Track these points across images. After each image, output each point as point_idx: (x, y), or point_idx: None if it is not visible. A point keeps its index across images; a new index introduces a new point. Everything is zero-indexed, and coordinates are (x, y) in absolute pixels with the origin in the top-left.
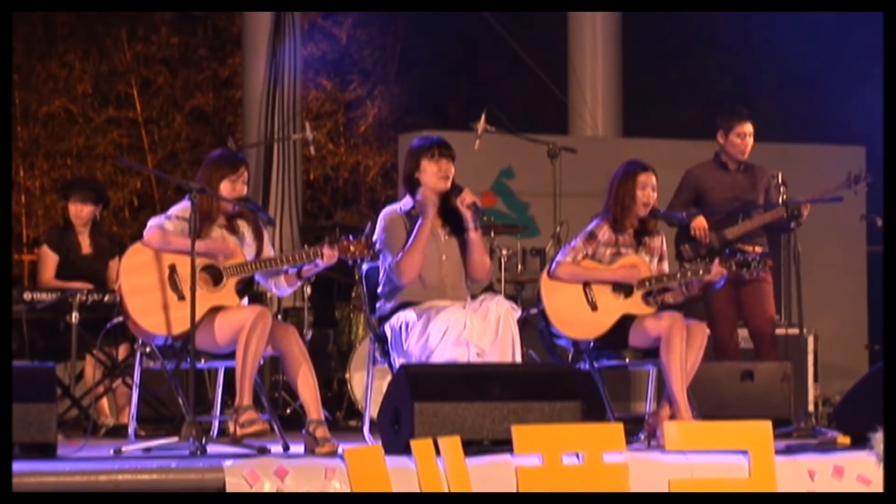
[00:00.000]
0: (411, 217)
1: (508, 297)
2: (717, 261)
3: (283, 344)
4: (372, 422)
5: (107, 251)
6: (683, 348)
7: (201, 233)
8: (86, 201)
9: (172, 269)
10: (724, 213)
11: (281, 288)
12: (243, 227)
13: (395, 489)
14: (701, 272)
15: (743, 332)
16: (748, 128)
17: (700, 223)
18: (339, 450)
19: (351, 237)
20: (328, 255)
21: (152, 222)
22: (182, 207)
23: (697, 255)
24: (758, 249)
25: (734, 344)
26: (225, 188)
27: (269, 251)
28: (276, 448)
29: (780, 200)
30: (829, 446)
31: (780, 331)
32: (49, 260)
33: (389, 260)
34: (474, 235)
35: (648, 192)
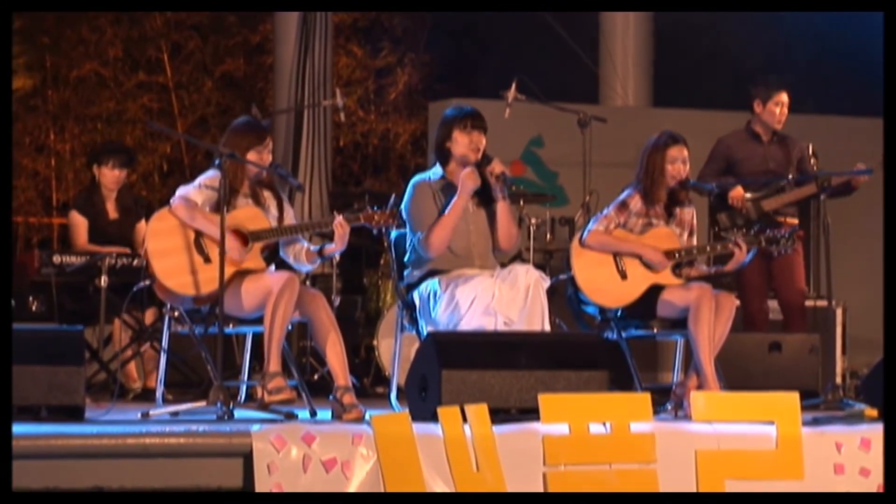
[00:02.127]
0: (441, 186)
1: (537, 265)
2: (742, 240)
3: (311, 310)
4: (399, 389)
5: (133, 215)
6: (712, 319)
7: (228, 203)
8: (122, 166)
9: (199, 232)
10: (759, 184)
11: (301, 263)
12: (268, 198)
13: (422, 457)
14: (730, 247)
15: (773, 304)
16: (784, 97)
17: (738, 193)
18: (366, 416)
19: (377, 207)
20: (339, 226)
21: (180, 192)
22: (209, 176)
23: (734, 224)
24: (791, 221)
25: (764, 316)
26: (252, 158)
27: (291, 221)
28: (304, 414)
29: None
30: (857, 418)
31: (808, 303)
32: (81, 225)
33: (417, 233)
34: (503, 205)
35: (679, 165)
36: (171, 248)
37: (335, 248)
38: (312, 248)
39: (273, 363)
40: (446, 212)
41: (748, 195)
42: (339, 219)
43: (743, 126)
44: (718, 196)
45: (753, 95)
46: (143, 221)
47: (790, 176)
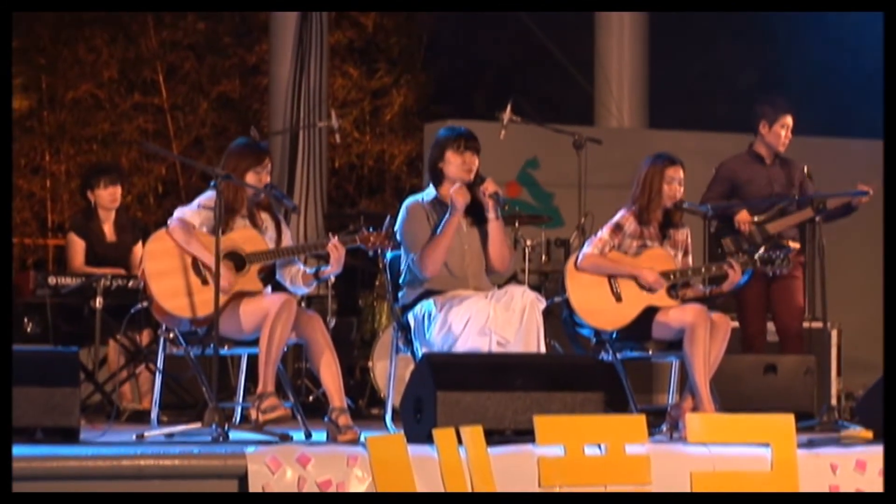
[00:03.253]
0: (434, 207)
1: (532, 287)
2: (735, 261)
3: (308, 331)
4: (394, 410)
5: (130, 237)
6: (707, 340)
7: (226, 224)
8: (115, 182)
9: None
10: (764, 207)
11: (297, 286)
12: (266, 220)
13: (417, 478)
14: (724, 268)
15: (770, 326)
16: (790, 119)
17: (744, 216)
18: (362, 438)
19: (372, 229)
20: (334, 249)
21: (178, 213)
22: (208, 197)
23: (739, 248)
24: (794, 244)
25: (762, 338)
26: (251, 180)
27: (288, 243)
28: (299, 435)
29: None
30: (852, 440)
31: (804, 324)
32: (78, 246)
33: (412, 254)
34: (496, 224)
35: (675, 186)
36: (168, 270)
37: (331, 271)
38: (308, 270)
39: (268, 384)
40: (439, 231)
41: (754, 218)
42: (333, 241)
43: (744, 149)
44: (723, 220)
45: (759, 116)
46: (140, 243)
47: (795, 197)
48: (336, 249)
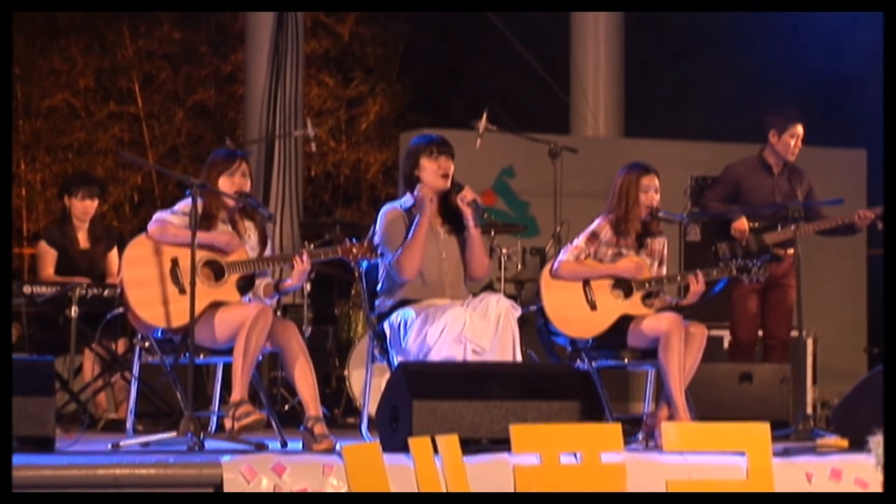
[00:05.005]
0: (411, 214)
1: (508, 296)
2: (699, 274)
3: (283, 339)
4: (370, 419)
5: (104, 245)
6: (682, 349)
7: (206, 229)
8: (92, 196)
9: (174, 262)
10: (765, 217)
11: (258, 297)
12: (249, 229)
13: (393, 487)
14: (688, 278)
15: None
16: (800, 129)
17: (742, 225)
18: (337, 447)
19: (354, 240)
20: (297, 261)
21: (156, 216)
22: (186, 203)
23: (733, 255)
24: (789, 252)
25: (753, 347)
26: (224, 184)
27: (268, 253)
28: (274, 444)
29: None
30: (827, 449)
31: None
32: (48, 256)
33: (389, 257)
34: (474, 233)
35: (651, 194)
36: (146, 279)
37: (292, 283)
38: (271, 281)
39: (242, 392)
40: (411, 232)
41: (752, 226)
42: (300, 255)
43: (755, 154)
44: (720, 225)
45: (769, 126)
46: (114, 251)
47: (788, 209)
48: (299, 262)
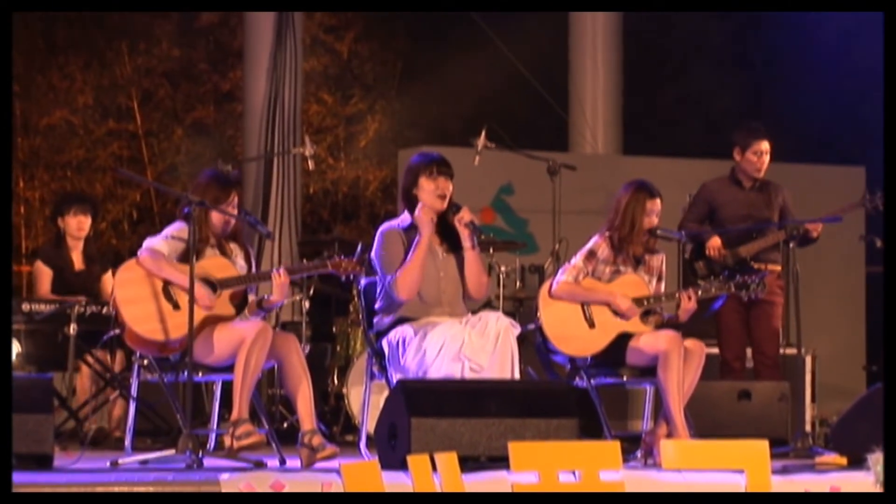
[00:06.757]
0: (409, 233)
1: (507, 313)
2: (692, 291)
3: (283, 352)
4: (369, 437)
5: (99, 266)
6: (681, 367)
7: (196, 254)
8: (85, 212)
9: (167, 281)
10: (737, 232)
11: (242, 316)
12: (235, 250)
13: None
14: (679, 295)
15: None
16: (765, 146)
17: (714, 243)
18: (336, 464)
19: (344, 255)
20: (275, 277)
21: (147, 243)
22: (177, 228)
23: (712, 272)
24: (773, 268)
25: (741, 363)
26: (214, 216)
27: None
28: (273, 462)
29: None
30: (826, 467)
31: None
32: (44, 275)
33: (388, 277)
34: (472, 254)
35: (653, 218)
36: (139, 297)
37: (274, 300)
38: (255, 298)
39: (243, 411)
40: (410, 253)
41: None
42: (279, 269)
43: (725, 173)
44: (696, 244)
45: (733, 143)
46: (108, 273)
47: (773, 221)
48: (278, 277)
